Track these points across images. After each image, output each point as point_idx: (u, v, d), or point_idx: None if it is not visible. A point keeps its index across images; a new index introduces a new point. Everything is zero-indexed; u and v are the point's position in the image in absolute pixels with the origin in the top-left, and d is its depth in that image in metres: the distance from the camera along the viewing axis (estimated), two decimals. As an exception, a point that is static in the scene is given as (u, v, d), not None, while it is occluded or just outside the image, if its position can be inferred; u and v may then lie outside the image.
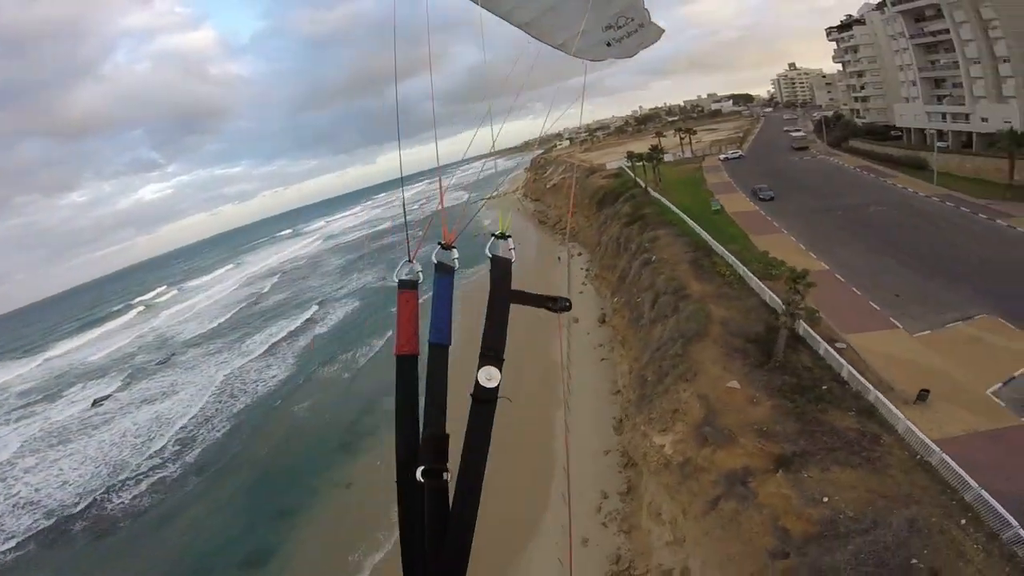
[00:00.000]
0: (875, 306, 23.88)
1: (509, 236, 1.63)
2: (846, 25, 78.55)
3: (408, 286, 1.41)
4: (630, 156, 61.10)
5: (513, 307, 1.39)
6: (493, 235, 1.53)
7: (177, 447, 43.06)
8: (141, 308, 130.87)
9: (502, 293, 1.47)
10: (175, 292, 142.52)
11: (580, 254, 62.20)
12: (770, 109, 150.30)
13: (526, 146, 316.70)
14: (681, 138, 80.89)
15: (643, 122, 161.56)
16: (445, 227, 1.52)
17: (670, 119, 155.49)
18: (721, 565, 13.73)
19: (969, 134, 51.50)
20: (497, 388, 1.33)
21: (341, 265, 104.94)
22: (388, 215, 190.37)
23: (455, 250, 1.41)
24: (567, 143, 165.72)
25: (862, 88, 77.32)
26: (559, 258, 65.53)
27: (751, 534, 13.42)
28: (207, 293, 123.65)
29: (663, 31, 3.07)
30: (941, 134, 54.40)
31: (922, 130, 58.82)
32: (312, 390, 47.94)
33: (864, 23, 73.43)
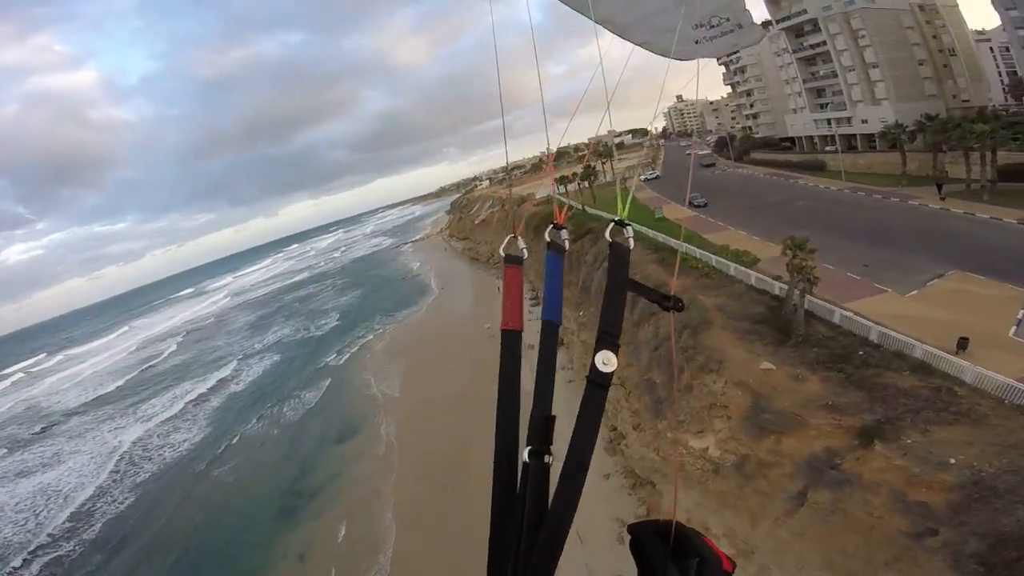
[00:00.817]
0: (854, 276, 24.05)
1: (628, 224, 1.59)
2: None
3: (514, 262, 1.47)
4: (562, 179, 61.40)
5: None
6: (613, 221, 1.51)
7: (72, 523, 35.58)
8: (17, 376, 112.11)
9: (620, 278, 1.45)
10: (57, 359, 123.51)
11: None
12: (663, 140, 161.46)
13: (442, 191, 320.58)
14: (601, 164, 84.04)
15: (557, 158, 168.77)
16: (557, 208, 1.61)
17: (579, 154, 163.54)
18: (830, 564, 11.39)
19: (853, 135, 56.86)
20: (612, 373, 1.32)
21: (252, 321, 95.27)
22: (301, 266, 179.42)
23: (565, 231, 1.52)
24: (486, 183, 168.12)
25: (751, 106, 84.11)
26: (498, 289, 63.33)
27: (871, 520, 11.25)
28: (93, 360, 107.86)
29: (765, 34, 1.75)
30: (829, 138, 59.86)
31: (812, 137, 64.40)
32: (238, 451, 41.08)
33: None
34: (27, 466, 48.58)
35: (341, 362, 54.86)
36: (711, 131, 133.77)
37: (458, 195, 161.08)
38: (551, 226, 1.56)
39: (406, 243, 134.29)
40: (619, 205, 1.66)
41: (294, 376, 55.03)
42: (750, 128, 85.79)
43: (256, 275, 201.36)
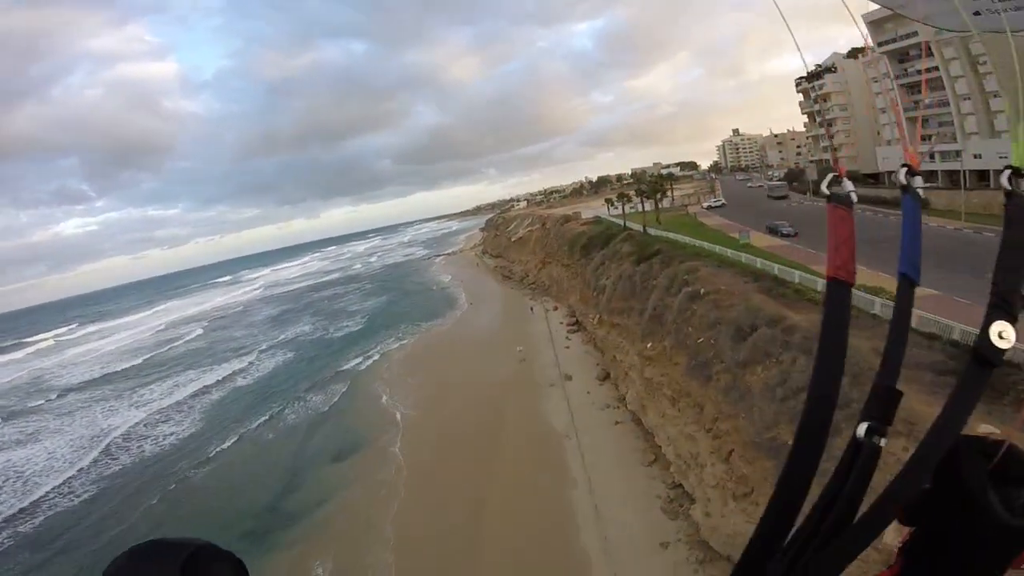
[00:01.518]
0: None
1: None
2: (816, 74, 76.87)
3: (842, 202, 1.17)
4: (620, 197, 55.33)
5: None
6: (1008, 168, 1.18)
7: (17, 513, 31.58)
8: (48, 343, 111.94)
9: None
10: (86, 331, 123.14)
11: (556, 308, 55.21)
12: (713, 175, 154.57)
13: (478, 210, 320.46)
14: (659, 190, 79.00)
15: (598, 186, 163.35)
16: (907, 148, 1.27)
17: (624, 183, 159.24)
18: None
19: (961, 172, 49.37)
20: (1005, 351, 1.02)
21: (278, 315, 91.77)
22: (335, 267, 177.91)
23: (849, 182, 1.18)
24: (523, 204, 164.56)
25: (832, 138, 77.09)
26: (532, 309, 58.29)
27: None
28: (118, 336, 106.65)
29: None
30: (928, 174, 52.65)
31: None
32: (226, 455, 36.19)
33: (835, 70, 73.70)
34: (1, 441, 44.64)
35: (358, 368, 49.79)
36: (772, 165, 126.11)
37: (493, 214, 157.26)
38: (830, 176, 1.19)
39: (439, 255, 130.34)
40: (1013, 151, 1.20)
41: (306, 378, 50.15)
42: (826, 161, 77.28)
43: (292, 271, 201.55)
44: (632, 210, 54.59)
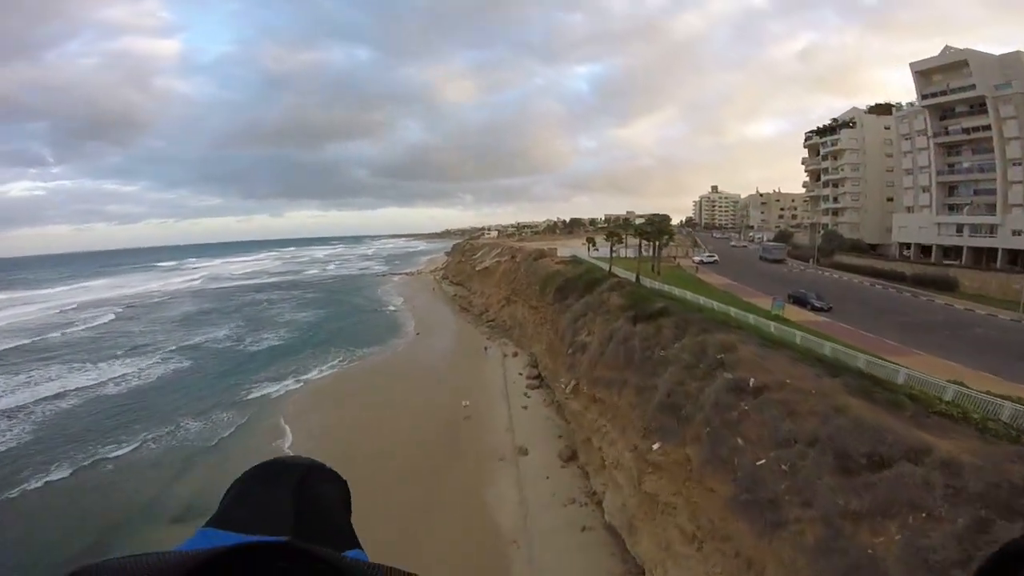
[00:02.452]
0: None
1: None
2: (830, 128, 70.32)
3: None
4: (610, 236, 46.80)
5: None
6: None
7: None
8: None
9: None
10: None
11: (515, 354, 46.55)
12: (689, 229, 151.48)
13: (447, 234, 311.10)
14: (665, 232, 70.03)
15: (571, 227, 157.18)
16: None
17: (597, 227, 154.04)
18: None
19: (993, 249, 43.08)
20: None
21: (200, 312, 79.34)
22: (287, 268, 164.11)
23: None
24: (494, 234, 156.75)
25: (835, 200, 68.41)
26: (486, 349, 49.52)
27: None
28: (15, 311, 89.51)
29: None
30: (951, 250, 46.95)
31: (928, 246, 50.04)
32: (42, 490, 25.50)
33: (853, 126, 66.53)
34: None
35: (266, 396, 39.36)
36: (752, 226, 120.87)
37: (462, 239, 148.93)
38: None
39: (397, 274, 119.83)
40: None
41: (197, 399, 39.23)
42: (825, 226, 69.09)
43: (241, 266, 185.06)
44: (614, 255, 46.84)
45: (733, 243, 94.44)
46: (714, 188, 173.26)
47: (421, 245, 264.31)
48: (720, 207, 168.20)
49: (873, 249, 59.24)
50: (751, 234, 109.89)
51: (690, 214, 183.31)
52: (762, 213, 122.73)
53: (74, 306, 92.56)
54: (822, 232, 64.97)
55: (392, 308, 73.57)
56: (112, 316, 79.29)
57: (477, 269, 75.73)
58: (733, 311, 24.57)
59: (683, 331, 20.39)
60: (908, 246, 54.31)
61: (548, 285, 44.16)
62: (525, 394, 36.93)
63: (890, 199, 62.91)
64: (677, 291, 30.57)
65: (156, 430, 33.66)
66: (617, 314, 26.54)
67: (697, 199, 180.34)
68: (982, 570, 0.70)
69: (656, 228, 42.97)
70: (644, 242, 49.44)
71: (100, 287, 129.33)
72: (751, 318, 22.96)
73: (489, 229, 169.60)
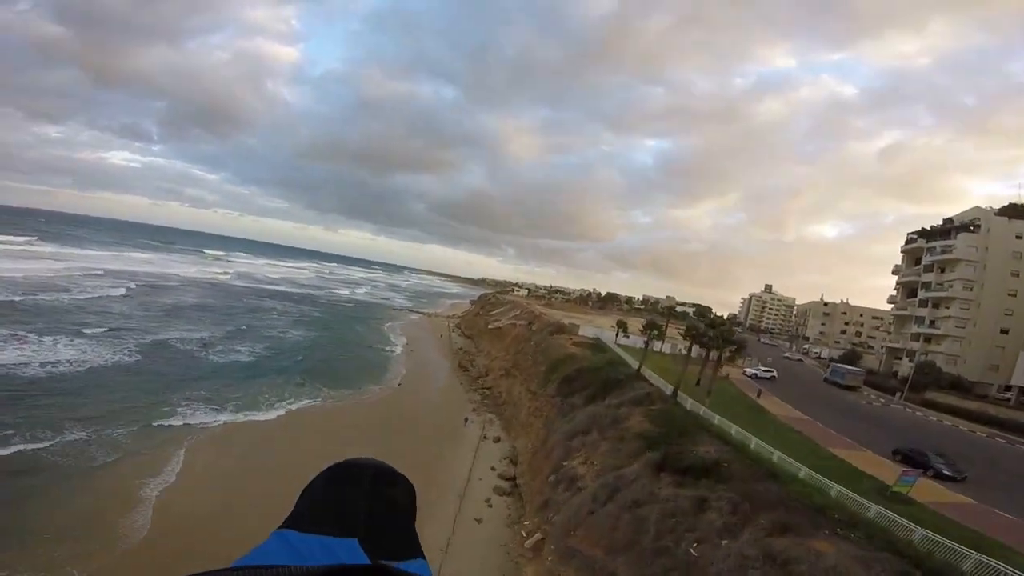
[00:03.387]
0: None
1: None
2: (942, 231, 55.01)
3: None
4: (649, 327, 35.72)
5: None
6: None
7: None
8: None
9: None
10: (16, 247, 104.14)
11: (497, 439, 37.53)
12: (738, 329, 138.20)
13: (482, 282, 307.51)
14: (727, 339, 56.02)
15: (606, 301, 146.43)
16: None
17: (633, 307, 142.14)
18: None
19: None
20: None
21: (199, 305, 74.61)
22: (316, 283, 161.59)
23: None
24: (524, 292, 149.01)
25: (932, 323, 53.35)
26: (467, 421, 40.91)
27: None
28: (40, 264, 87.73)
29: None
30: None
31: None
32: None
33: (975, 230, 52.02)
34: None
35: (186, 428, 31.96)
36: (808, 338, 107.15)
37: (492, 291, 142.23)
38: None
39: (415, 312, 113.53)
40: None
41: (102, 407, 32.39)
42: (913, 353, 54.89)
43: (278, 270, 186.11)
44: (648, 349, 36.85)
45: (787, 354, 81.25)
46: (768, 288, 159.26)
47: (454, 288, 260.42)
48: (772, 309, 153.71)
49: (967, 389, 47.40)
50: (806, 346, 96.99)
51: (735, 311, 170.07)
52: (823, 324, 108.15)
53: (99, 272, 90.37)
54: (914, 362, 51.68)
55: (389, 348, 66.09)
56: (123, 291, 75.36)
57: (489, 327, 67.96)
58: (834, 489, 14.89)
59: (744, 518, 11.60)
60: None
61: (556, 371, 35.54)
62: (487, 501, 27.86)
63: (1005, 331, 49.70)
64: (731, 427, 21.04)
65: (30, 431, 26.76)
66: (634, 447, 17.75)
67: (747, 296, 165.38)
68: None
69: (720, 333, 30.13)
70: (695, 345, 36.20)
71: (136, 260, 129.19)
72: (858, 498, 13.70)
73: (520, 286, 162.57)
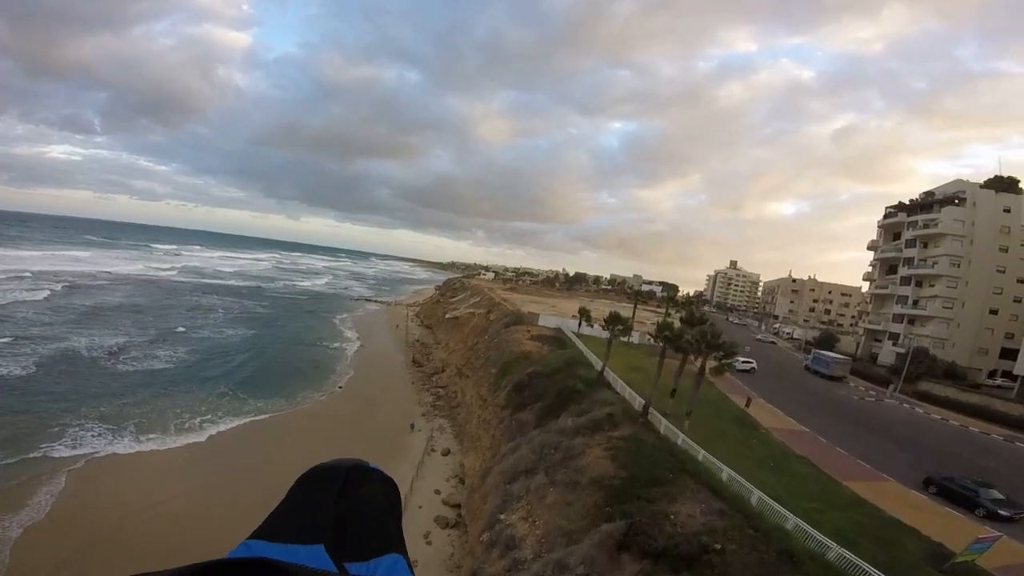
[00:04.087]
0: None
1: None
2: (924, 204, 51.74)
3: None
4: (611, 320, 28.42)
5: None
6: None
7: None
8: None
9: None
10: None
11: (446, 452, 32.23)
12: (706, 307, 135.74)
13: (451, 266, 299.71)
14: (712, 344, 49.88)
15: (573, 282, 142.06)
16: None
17: (602, 287, 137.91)
18: None
19: None
20: None
21: (128, 306, 67.01)
22: (273, 275, 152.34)
23: None
24: (491, 275, 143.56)
25: (916, 303, 50.32)
26: (413, 427, 36.23)
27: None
28: None
29: None
30: None
31: None
32: None
33: (960, 203, 48.82)
34: None
35: (60, 460, 26.26)
36: (777, 316, 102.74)
37: (458, 276, 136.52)
38: None
39: (373, 301, 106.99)
40: None
41: None
42: (894, 337, 51.41)
43: (232, 263, 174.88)
44: (624, 339, 30.72)
45: (759, 336, 76.68)
46: (733, 264, 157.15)
47: (421, 273, 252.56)
48: (737, 286, 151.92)
49: (959, 376, 44.65)
50: (776, 326, 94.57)
51: (701, 288, 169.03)
52: (791, 302, 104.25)
53: (25, 275, 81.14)
54: (906, 348, 46.91)
55: (338, 345, 60.25)
56: (45, 294, 67.33)
57: (447, 316, 62.76)
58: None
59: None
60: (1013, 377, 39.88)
61: (508, 374, 30.73)
62: (426, 537, 23.31)
63: (994, 311, 47.00)
64: (720, 467, 16.08)
65: None
66: (590, 502, 13.16)
67: (712, 273, 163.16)
68: None
69: (703, 334, 22.55)
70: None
71: (72, 259, 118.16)
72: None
73: (487, 269, 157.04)
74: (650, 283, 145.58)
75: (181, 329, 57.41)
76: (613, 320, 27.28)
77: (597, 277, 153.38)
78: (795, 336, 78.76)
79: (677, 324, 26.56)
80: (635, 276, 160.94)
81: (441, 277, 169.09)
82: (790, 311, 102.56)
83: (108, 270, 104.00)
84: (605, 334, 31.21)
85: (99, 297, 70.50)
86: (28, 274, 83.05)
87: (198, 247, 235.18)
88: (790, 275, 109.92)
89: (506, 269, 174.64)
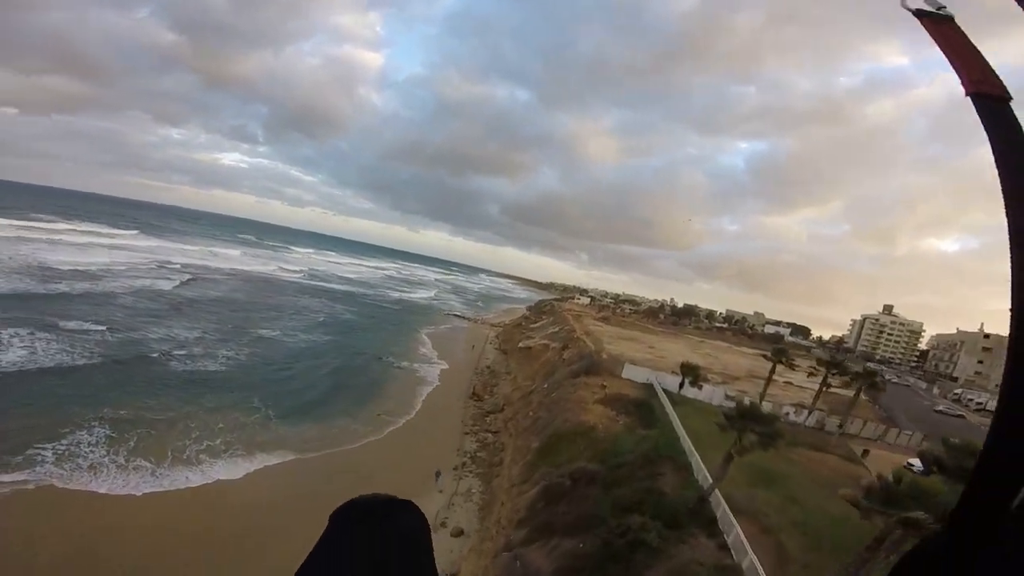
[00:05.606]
0: None
1: None
2: None
3: (936, 19, 0.91)
4: (743, 414, 16.73)
5: None
6: None
7: None
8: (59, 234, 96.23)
9: None
10: (112, 240, 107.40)
11: (460, 533, 23.81)
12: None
13: (551, 287, 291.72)
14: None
15: (681, 315, 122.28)
16: None
17: (716, 324, 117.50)
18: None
19: None
20: None
21: (225, 300, 69.12)
22: (387, 284, 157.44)
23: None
24: (586, 300, 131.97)
25: None
26: (439, 476, 28.27)
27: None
28: (124, 255, 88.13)
29: None
30: None
31: None
32: None
33: None
34: None
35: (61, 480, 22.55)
36: (955, 379, 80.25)
37: (552, 297, 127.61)
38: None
39: (460, 316, 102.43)
40: None
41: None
42: None
43: (354, 269, 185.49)
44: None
45: (940, 407, 57.35)
46: (888, 309, 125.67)
47: (520, 293, 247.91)
48: (891, 336, 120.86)
49: None
50: (957, 391, 71.16)
51: (839, 333, 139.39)
52: (979, 362, 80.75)
53: (174, 265, 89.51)
54: None
55: (404, 363, 54.79)
56: (175, 283, 72.42)
57: (520, 345, 54.42)
58: None
59: None
60: None
61: (548, 456, 21.39)
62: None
63: None
64: None
65: None
66: None
67: (858, 318, 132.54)
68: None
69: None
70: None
71: (221, 255, 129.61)
72: None
73: (585, 292, 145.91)
74: (776, 323, 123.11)
75: (258, 329, 56.31)
76: (744, 414, 16.05)
77: (711, 312, 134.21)
78: (989, 407, 57.21)
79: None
80: (756, 314, 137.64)
81: (538, 297, 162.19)
82: (977, 372, 77.63)
83: (240, 267, 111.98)
84: (721, 401, 20.18)
85: (208, 290, 73.71)
86: (176, 265, 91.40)
87: (332, 252, 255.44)
88: (981, 328, 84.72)
89: (606, 294, 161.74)
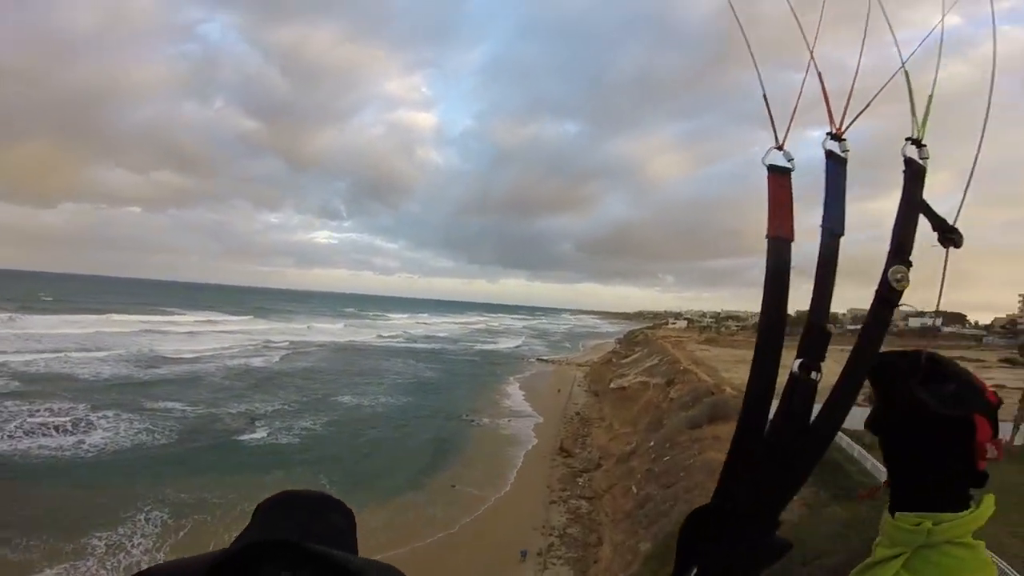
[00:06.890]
0: None
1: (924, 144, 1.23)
2: None
3: (780, 172, 1.16)
4: None
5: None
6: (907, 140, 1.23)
7: None
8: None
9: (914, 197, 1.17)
10: (215, 328, 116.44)
11: None
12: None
13: (639, 316, 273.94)
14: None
15: (792, 324, 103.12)
16: (831, 114, 1.28)
17: (847, 327, 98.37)
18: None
19: None
20: (902, 292, 1.08)
21: (310, 371, 68.85)
22: (468, 334, 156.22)
23: (846, 142, 1.22)
24: (682, 324, 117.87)
25: None
26: (524, 555, 21.35)
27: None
28: (212, 340, 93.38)
29: None
30: None
31: None
32: None
33: None
34: None
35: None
36: None
37: (642, 326, 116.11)
38: (827, 136, 1.18)
39: (544, 360, 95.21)
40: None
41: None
42: None
43: (446, 327, 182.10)
44: None
45: None
46: None
47: (607, 327, 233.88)
48: None
49: None
50: None
51: (1001, 314, 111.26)
52: None
53: (279, 344, 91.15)
54: None
55: (480, 419, 48.71)
56: (276, 358, 74.75)
57: (611, 385, 46.34)
58: None
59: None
60: None
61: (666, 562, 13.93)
62: None
63: None
64: None
65: None
66: None
67: None
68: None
69: None
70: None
71: (323, 330, 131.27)
72: None
73: (680, 315, 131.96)
74: (920, 314, 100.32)
75: (339, 397, 54.15)
76: None
77: (833, 315, 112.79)
78: None
79: None
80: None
81: (626, 328, 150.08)
82: None
83: (336, 340, 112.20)
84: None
85: (298, 362, 74.05)
86: (283, 343, 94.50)
87: (424, 314, 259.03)
88: None
89: (704, 314, 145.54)
